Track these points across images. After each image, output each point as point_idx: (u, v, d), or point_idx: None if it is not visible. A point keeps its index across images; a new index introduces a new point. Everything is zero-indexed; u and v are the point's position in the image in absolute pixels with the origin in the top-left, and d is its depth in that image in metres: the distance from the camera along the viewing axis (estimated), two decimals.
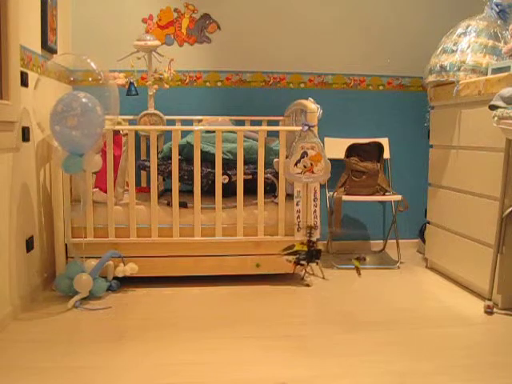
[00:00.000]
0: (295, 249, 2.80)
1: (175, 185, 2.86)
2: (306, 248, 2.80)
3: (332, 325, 2.40)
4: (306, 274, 3.02)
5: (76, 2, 3.49)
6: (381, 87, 3.81)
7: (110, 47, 3.40)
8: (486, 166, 2.68)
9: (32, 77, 2.62)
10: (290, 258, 2.80)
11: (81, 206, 2.66)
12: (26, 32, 2.57)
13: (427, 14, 3.76)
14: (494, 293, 2.54)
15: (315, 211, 2.91)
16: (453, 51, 2.92)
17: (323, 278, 3.08)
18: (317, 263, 2.86)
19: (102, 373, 1.91)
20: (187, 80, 3.64)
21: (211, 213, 2.89)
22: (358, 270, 2.92)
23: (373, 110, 3.80)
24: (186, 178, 2.99)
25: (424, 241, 3.56)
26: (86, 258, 2.71)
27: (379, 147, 3.42)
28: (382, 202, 3.83)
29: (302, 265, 2.84)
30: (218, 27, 3.64)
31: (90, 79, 3.03)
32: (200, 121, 3.49)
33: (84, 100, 2.50)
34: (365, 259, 3.20)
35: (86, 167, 2.59)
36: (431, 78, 3.05)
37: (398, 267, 3.33)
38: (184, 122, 3.50)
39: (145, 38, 3.25)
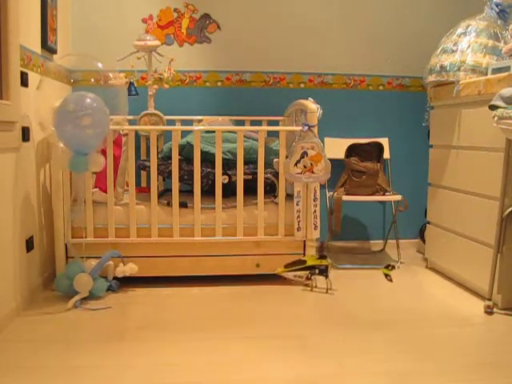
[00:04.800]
0: (308, 264, 2.80)
1: (175, 185, 2.86)
2: (326, 262, 2.79)
3: (332, 325, 2.40)
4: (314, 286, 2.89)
5: (76, 2, 3.49)
6: (381, 87, 3.81)
7: (110, 47, 3.40)
8: (485, 166, 2.68)
9: (32, 77, 2.62)
10: (302, 273, 2.81)
11: (79, 206, 2.67)
12: (26, 32, 2.57)
13: (427, 14, 3.76)
14: (494, 293, 2.54)
15: (315, 211, 2.91)
16: (453, 51, 2.92)
17: (328, 290, 2.85)
18: (327, 276, 2.82)
19: (101, 373, 1.91)
20: (187, 80, 3.64)
21: (211, 213, 2.89)
22: (388, 276, 3.04)
23: (373, 110, 3.80)
24: (186, 178, 2.99)
25: (424, 241, 3.56)
26: (86, 258, 2.71)
27: (379, 147, 3.42)
28: (382, 202, 3.83)
29: (309, 279, 2.83)
30: (218, 27, 3.64)
31: (93, 80, 3.05)
32: (200, 121, 3.49)
33: (95, 100, 2.52)
34: (394, 267, 3.10)
35: (91, 167, 2.60)
36: (431, 78, 3.05)
37: (398, 267, 3.34)
38: (184, 122, 3.50)
39: (145, 37, 3.25)
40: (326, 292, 2.82)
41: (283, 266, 2.83)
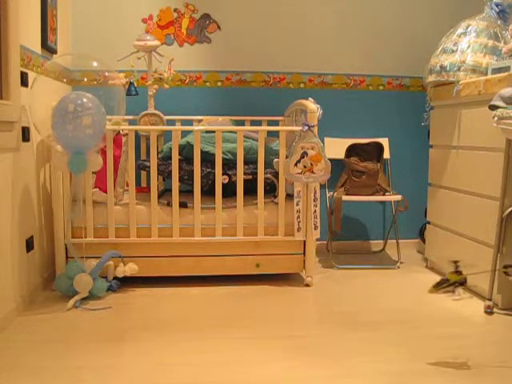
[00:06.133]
0: (451, 281, 3.02)
1: (175, 185, 2.86)
2: (464, 276, 2.97)
3: (332, 325, 2.40)
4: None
5: (76, 2, 3.49)
6: (381, 87, 3.81)
7: (110, 47, 3.40)
8: (486, 166, 2.68)
9: (32, 77, 2.62)
10: (449, 288, 3.02)
11: (77, 207, 2.67)
12: (25, 32, 2.57)
13: (427, 14, 3.76)
14: (494, 293, 2.54)
15: (315, 211, 2.91)
16: (453, 51, 2.92)
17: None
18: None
19: (101, 373, 1.91)
20: (187, 80, 3.64)
21: (211, 213, 2.89)
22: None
23: (373, 109, 3.80)
24: (186, 178, 2.99)
25: (424, 241, 3.56)
26: (86, 258, 2.71)
27: (379, 147, 3.42)
28: (382, 202, 3.83)
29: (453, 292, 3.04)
30: (218, 27, 3.64)
31: (86, 79, 3.05)
32: (200, 121, 3.49)
33: (92, 99, 2.53)
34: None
35: (90, 166, 2.60)
36: (431, 78, 3.05)
37: (398, 267, 3.34)
38: (184, 122, 3.50)
39: (145, 38, 3.25)
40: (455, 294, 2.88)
41: (432, 286, 3.00)
